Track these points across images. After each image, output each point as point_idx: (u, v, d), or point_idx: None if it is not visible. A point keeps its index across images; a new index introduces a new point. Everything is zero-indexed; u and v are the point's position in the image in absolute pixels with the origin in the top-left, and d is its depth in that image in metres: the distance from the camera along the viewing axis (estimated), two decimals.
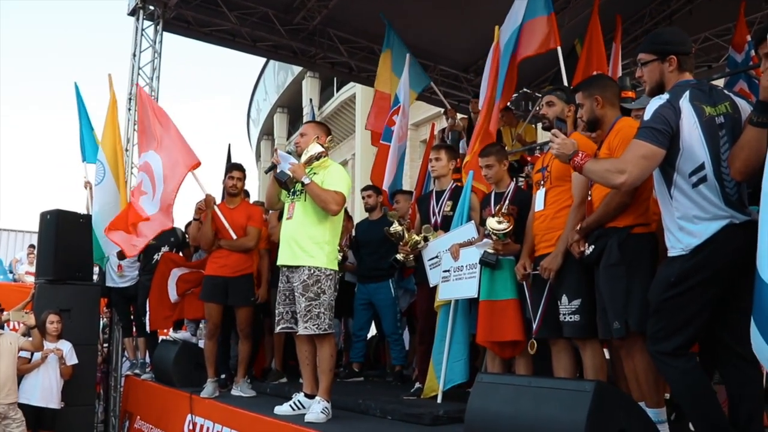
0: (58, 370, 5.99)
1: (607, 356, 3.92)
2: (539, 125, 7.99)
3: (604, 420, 2.54)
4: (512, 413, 2.79)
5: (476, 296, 4.31)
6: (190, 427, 5.38)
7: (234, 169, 5.91)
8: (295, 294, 4.29)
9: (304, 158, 4.39)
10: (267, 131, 32.90)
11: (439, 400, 4.58)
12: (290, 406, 4.37)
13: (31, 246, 11.61)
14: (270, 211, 6.24)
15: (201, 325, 6.68)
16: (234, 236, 5.54)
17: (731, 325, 2.77)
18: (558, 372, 3.76)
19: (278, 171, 4.40)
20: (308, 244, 4.29)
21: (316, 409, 4.11)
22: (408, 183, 12.33)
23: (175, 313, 6.60)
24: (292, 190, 4.43)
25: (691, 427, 3.30)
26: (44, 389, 5.88)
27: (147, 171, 5.75)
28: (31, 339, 5.89)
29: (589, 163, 2.98)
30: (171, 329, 7.02)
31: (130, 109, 7.51)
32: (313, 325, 4.18)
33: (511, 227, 4.12)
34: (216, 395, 5.47)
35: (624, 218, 3.21)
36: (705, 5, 8.89)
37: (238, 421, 4.77)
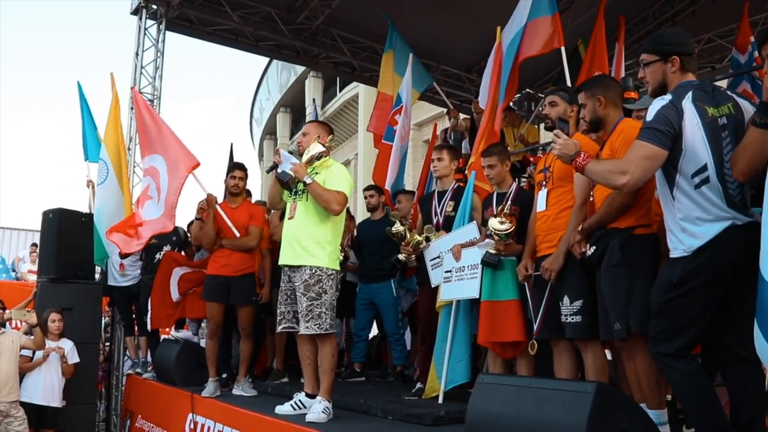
0: (60, 369, 6.00)
1: (609, 357, 3.92)
2: (542, 126, 7.98)
3: (605, 421, 2.54)
4: (513, 414, 2.79)
5: (478, 297, 4.31)
6: (192, 427, 5.39)
7: (236, 168, 5.91)
8: (297, 294, 4.29)
9: (305, 158, 4.38)
10: (270, 131, 32.88)
11: (440, 401, 4.57)
12: (291, 405, 4.37)
13: (34, 244, 11.62)
14: (272, 211, 6.24)
15: (203, 325, 6.68)
16: (237, 233, 5.53)
17: (733, 327, 2.77)
18: (559, 373, 3.75)
19: (280, 171, 4.40)
20: (310, 244, 4.28)
21: (317, 409, 4.11)
22: (411, 183, 12.31)
23: (177, 312, 6.60)
24: (294, 189, 4.43)
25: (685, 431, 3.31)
26: (46, 388, 5.89)
27: (153, 175, 5.76)
28: (32, 337, 5.90)
29: (591, 163, 2.98)
30: (173, 328, 7.02)
31: (132, 108, 7.51)
32: (315, 325, 4.18)
33: (513, 228, 4.12)
34: (217, 394, 5.47)
35: (626, 219, 3.20)
36: (708, 6, 8.88)
37: (239, 420, 4.76)
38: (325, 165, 4.46)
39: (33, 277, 10.41)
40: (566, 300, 3.52)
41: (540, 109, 6.00)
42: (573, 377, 3.73)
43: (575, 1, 8.50)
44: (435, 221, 5.22)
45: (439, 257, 4.94)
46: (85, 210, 7.27)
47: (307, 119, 17.81)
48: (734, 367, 2.79)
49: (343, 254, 5.51)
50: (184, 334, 6.73)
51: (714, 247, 2.68)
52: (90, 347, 6.52)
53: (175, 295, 6.45)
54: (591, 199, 3.43)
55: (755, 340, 2.42)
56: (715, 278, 2.71)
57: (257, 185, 29.42)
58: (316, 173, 4.37)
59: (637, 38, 9.07)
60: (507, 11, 6.16)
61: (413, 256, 5.27)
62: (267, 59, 25.94)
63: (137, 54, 7.68)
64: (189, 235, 7.16)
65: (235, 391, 5.62)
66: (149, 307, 6.65)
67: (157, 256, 6.82)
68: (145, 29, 7.74)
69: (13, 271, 12.92)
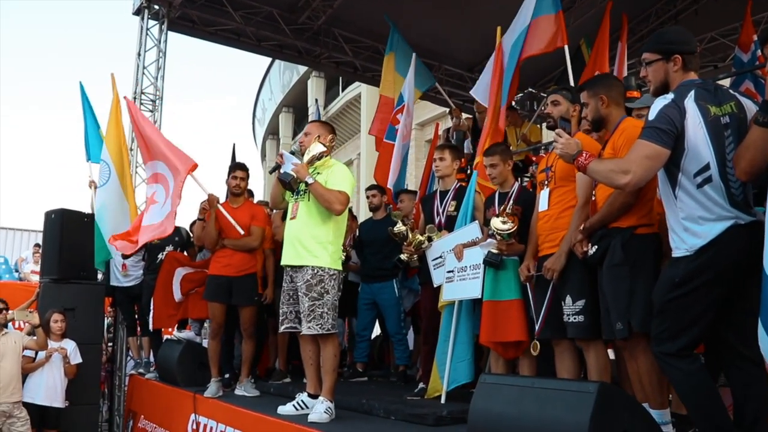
0: (63, 369, 6.01)
1: (612, 357, 3.91)
2: (544, 125, 7.97)
3: (607, 421, 2.53)
4: (515, 414, 2.78)
5: (480, 297, 4.30)
6: (194, 427, 5.39)
7: (237, 168, 5.90)
8: (299, 294, 4.29)
9: (305, 158, 4.38)
10: (272, 131, 32.91)
11: (442, 401, 4.57)
12: (293, 405, 4.36)
13: (37, 245, 11.62)
14: (274, 211, 6.23)
15: (205, 325, 6.68)
16: (241, 231, 5.53)
17: (736, 326, 2.76)
18: (561, 373, 3.75)
19: (282, 172, 4.40)
20: (312, 244, 4.28)
21: (320, 409, 4.10)
22: (413, 183, 12.31)
23: (179, 313, 6.60)
24: (296, 190, 4.43)
25: None
26: (48, 388, 5.90)
27: (161, 181, 5.75)
28: (35, 338, 5.91)
29: (593, 163, 2.97)
30: (175, 329, 7.03)
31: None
32: (317, 325, 4.18)
33: (515, 227, 4.11)
34: (219, 395, 5.47)
35: (627, 218, 3.19)
36: (711, 5, 8.86)
37: (241, 420, 4.76)
38: (327, 165, 4.46)
39: (36, 278, 10.42)
40: (568, 300, 3.52)
41: (542, 108, 5.99)
42: (575, 377, 3.72)
43: (577, 1, 8.48)
44: (437, 221, 5.21)
45: (441, 257, 4.93)
46: (87, 210, 7.27)
47: (310, 119, 17.81)
48: (737, 367, 2.78)
49: (344, 254, 5.51)
50: (187, 334, 6.73)
51: (716, 247, 2.67)
52: (92, 348, 6.53)
53: (177, 295, 6.45)
54: (593, 198, 3.42)
55: (759, 339, 2.41)
56: (717, 277, 2.70)
57: (260, 185, 29.45)
58: (318, 173, 4.37)
59: (640, 37, 9.06)
60: (509, 11, 6.14)
61: (415, 255, 5.26)
62: (269, 59, 25.98)
63: (139, 54, 7.70)
64: (191, 235, 7.16)
65: (238, 392, 5.61)
66: (151, 308, 6.65)
67: (160, 256, 6.82)
68: (147, 29, 7.76)
69: (17, 271, 12.93)
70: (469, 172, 5.85)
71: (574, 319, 3.49)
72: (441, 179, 5.35)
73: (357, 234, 6.82)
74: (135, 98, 7.61)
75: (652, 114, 2.80)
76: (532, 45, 5.88)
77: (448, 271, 4.72)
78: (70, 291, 6.50)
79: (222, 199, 5.86)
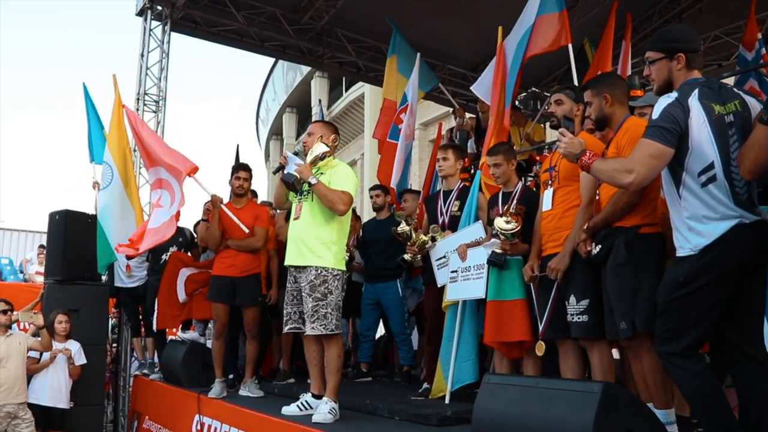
0: (67, 370, 6.02)
1: (616, 356, 3.90)
2: (548, 124, 7.96)
3: (612, 421, 2.52)
4: (519, 414, 2.77)
5: (484, 297, 4.29)
6: (198, 428, 5.39)
7: (240, 169, 5.89)
8: (303, 294, 4.28)
9: (308, 158, 4.38)
10: (276, 131, 32.92)
11: (446, 401, 4.56)
12: (298, 406, 4.36)
13: (42, 246, 11.64)
14: (278, 211, 6.23)
15: (209, 326, 6.68)
16: (245, 229, 5.53)
17: (740, 325, 2.75)
18: (565, 373, 3.74)
19: (285, 172, 4.40)
20: (315, 245, 4.28)
21: (324, 410, 4.11)
22: (417, 182, 12.31)
23: (184, 313, 6.61)
24: (299, 190, 4.43)
25: None
26: (53, 389, 5.91)
27: (165, 186, 5.75)
28: (40, 339, 5.92)
29: (596, 162, 2.96)
30: (179, 329, 7.04)
31: (138, 109, 7.54)
32: (320, 326, 4.17)
33: (519, 227, 4.10)
34: (224, 395, 5.47)
35: (631, 218, 3.18)
36: (715, 3, 8.83)
37: (245, 421, 4.77)
38: (330, 165, 4.46)
39: (41, 279, 10.45)
40: (572, 299, 3.51)
41: (545, 107, 5.97)
42: (579, 377, 3.72)
43: (580, 0, 8.46)
44: (440, 221, 5.20)
45: (444, 257, 4.92)
46: (91, 211, 7.27)
47: (313, 119, 17.82)
48: (741, 366, 2.77)
49: (348, 254, 5.51)
50: (191, 335, 6.74)
51: (721, 246, 2.66)
52: (97, 348, 6.54)
53: (182, 295, 6.46)
54: (597, 197, 3.41)
55: (765, 338, 2.40)
56: (721, 277, 2.69)
57: (264, 186, 29.49)
58: (321, 173, 4.37)
59: (644, 36, 9.02)
60: (511, 10, 6.13)
61: (419, 255, 5.26)
62: (273, 60, 25.99)
63: (142, 55, 7.71)
64: (195, 236, 7.17)
65: (242, 392, 5.61)
66: (156, 308, 6.66)
67: (164, 257, 6.82)
68: (150, 30, 7.77)
69: (21, 272, 12.97)
70: (472, 171, 5.84)
71: (578, 318, 3.48)
72: (444, 179, 5.34)
73: (360, 234, 6.82)
74: (138, 99, 7.62)
75: (656, 113, 2.79)
76: (536, 44, 5.85)
77: (452, 271, 4.71)
78: (74, 292, 6.51)
79: (226, 200, 5.87)
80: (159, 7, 7.78)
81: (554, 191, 3.78)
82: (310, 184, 4.28)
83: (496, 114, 5.70)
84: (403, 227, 5.30)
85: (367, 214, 11.74)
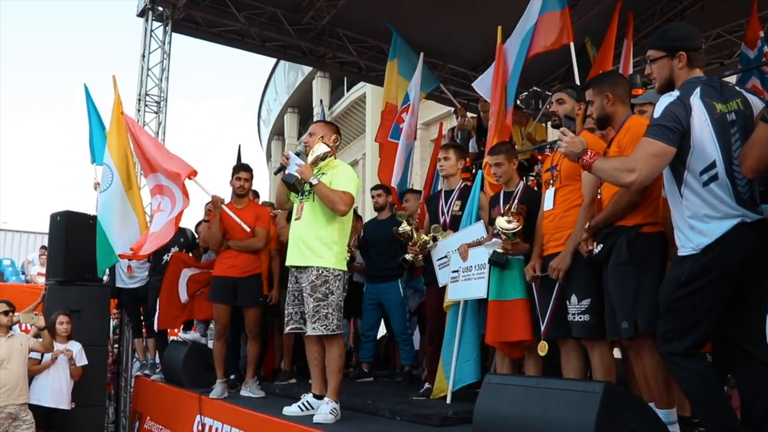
0: (69, 371, 6.01)
1: (618, 356, 3.88)
2: (549, 123, 7.95)
3: (613, 421, 2.51)
4: (520, 414, 2.77)
5: (485, 297, 4.28)
6: (199, 428, 5.39)
7: (241, 169, 5.88)
8: (304, 294, 4.28)
9: (309, 159, 4.37)
10: (277, 131, 32.96)
11: (448, 401, 4.55)
12: (299, 406, 4.36)
13: (43, 247, 11.66)
14: (279, 211, 6.23)
15: (210, 326, 6.68)
16: (247, 228, 5.52)
17: (742, 325, 2.74)
18: (567, 373, 3.73)
19: (286, 173, 4.40)
20: (316, 245, 4.27)
21: (325, 410, 4.10)
22: (418, 182, 12.30)
23: (185, 314, 6.61)
24: (300, 190, 4.42)
25: None
26: (54, 390, 5.90)
27: (168, 193, 5.74)
28: (41, 340, 5.92)
29: (598, 161, 2.95)
30: (181, 330, 7.04)
31: (139, 110, 7.54)
32: (322, 326, 4.17)
33: (520, 226, 4.09)
34: (225, 396, 5.47)
35: (633, 217, 3.17)
36: (717, 1, 8.80)
37: (246, 421, 4.76)
38: (332, 165, 4.45)
39: (42, 280, 10.46)
40: (574, 299, 3.50)
41: (547, 106, 5.96)
42: (581, 377, 3.71)
43: None
44: (442, 221, 5.19)
45: (446, 257, 4.91)
46: (92, 212, 7.26)
47: (315, 119, 17.85)
48: (744, 366, 2.76)
49: (349, 254, 5.51)
50: (192, 335, 6.74)
51: (722, 245, 2.65)
52: (98, 349, 6.52)
53: (183, 296, 6.46)
54: (598, 197, 3.40)
55: (767, 338, 2.39)
56: (723, 276, 2.67)
57: (265, 186, 29.51)
58: (323, 174, 4.36)
59: (645, 34, 8.99)
60: (512, 9, 6.12)
61: (420, 255, 5.25)
62: (274, 60, 26.00)
63: (143, 56, 7.71)
64: (197, 236, 7.17)
65: (243, 393, 5.60)
66: (157, 309, 6.65)
67: (165, 257, 6.82)
68: (152, 31, 7.76)
69: (23, 273, 12.99)
70: (474, 171, 5.83)
71: (580, 318, 3.48)
72: (446, 179, 5.33)
73: (362, 234, 6.81)
74: (139, 100, 7.62)
75: (658, 111, 2.77)
76: (538, 42, 5.84)
77: (453, 271, 4.70)
78: (75, 293, 6.50)
79: (227, 201, 5.86)
80: (160, 8, 7.78)
81: (556, 191, 3.77)
82: (311, 185, 4.27)
83: (498, 114, 5.69)
84: (405, 227, 5.29)
85: (368, 214, 11.75)
